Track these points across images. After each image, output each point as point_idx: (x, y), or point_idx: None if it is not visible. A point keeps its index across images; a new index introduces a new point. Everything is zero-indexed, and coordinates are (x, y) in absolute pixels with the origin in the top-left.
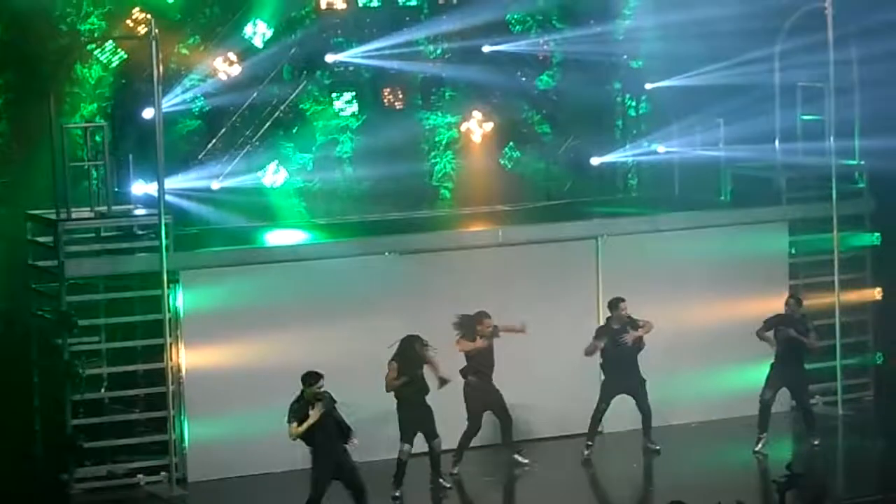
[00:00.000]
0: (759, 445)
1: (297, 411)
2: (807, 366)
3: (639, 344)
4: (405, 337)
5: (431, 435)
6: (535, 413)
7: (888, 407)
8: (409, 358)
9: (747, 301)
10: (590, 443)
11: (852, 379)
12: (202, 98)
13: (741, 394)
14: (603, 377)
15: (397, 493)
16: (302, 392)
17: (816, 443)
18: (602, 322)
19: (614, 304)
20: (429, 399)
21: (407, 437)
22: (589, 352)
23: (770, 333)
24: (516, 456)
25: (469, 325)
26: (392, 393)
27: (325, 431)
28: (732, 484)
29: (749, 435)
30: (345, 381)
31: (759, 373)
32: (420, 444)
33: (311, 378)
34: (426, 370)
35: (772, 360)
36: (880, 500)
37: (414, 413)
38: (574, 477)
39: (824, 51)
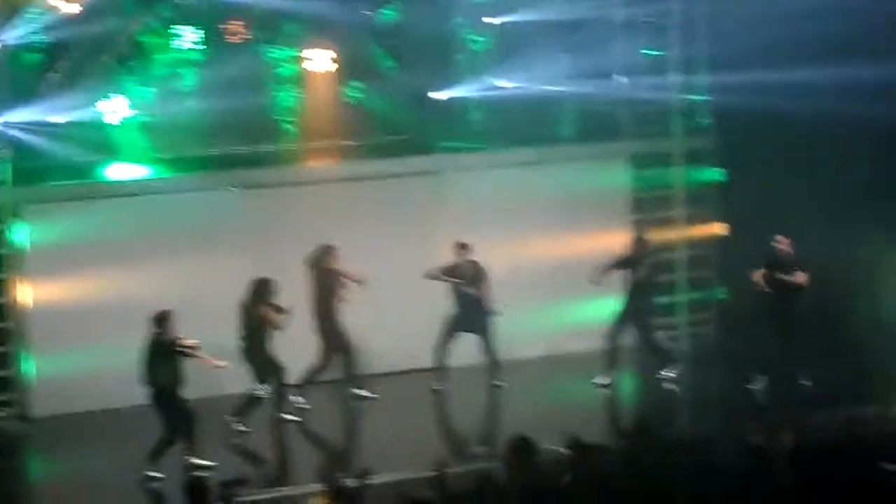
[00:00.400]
0: (604, 380)
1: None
2: (651, 299)
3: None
4: (258, 280)
5: (280, 371)
6: (377, 348)
7: (731, 341)
8: (267, 300)
9: (590, 236)
10: (438, 377)
11: (694, 313)
12: (42, 31)
13: (583, 328)
14: (447, 313)
15: (242, 427)
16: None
17: (665, 375)
18: (444, 258)
19: (459, 248)
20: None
21: (266, 376)
22: (427, 275)
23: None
24: (359, 391)
25: (319, 259)
26: (251, 333)
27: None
28: (577, 419)
29: (592, 369)
30: (188, 317)
31: (600, 308)
32: None
33: (163, 317)
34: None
35: (617, 296)
36: (722, 434)
37: (269, 352)
38: (418, 412)
39: None
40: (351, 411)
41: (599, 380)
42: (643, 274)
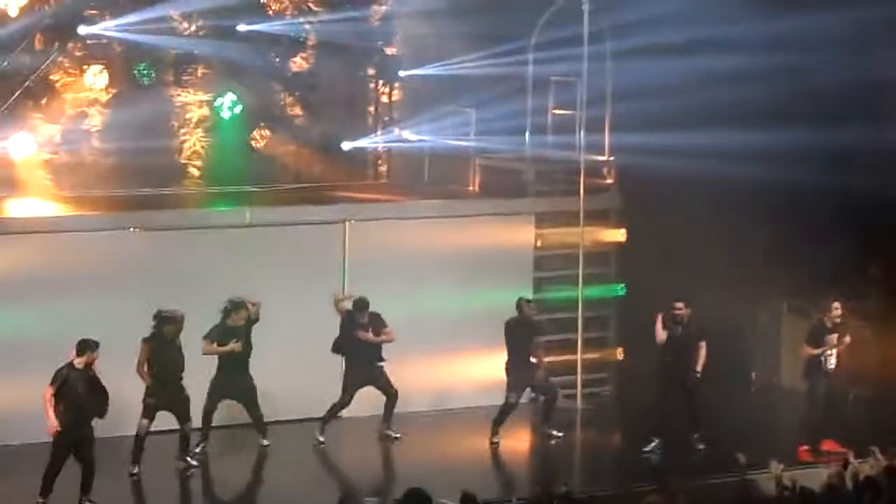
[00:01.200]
0: (496, 437)
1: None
2: (548, 359)
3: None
4: (160, 316)
5: (184, 415)
6: (277, 396)
7: (627, 402)
8: (163, 337)
9: (492, 291)
10: (322, 430)
11: (592, 374)
12: None
13: (483, 384)
14: (344, 368)
15: (135, 470)
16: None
17: (557, 434)
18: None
19: (359, 304)
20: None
21: (148, 413)
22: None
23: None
24: (260, 439)
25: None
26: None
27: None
28: (471, 473)
29: (488, 424)
30: None
31: (499, 364)
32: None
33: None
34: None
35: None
36: (617, 494)
37: (163, 392)
38: (314, 460)
39: (578, 45)
40: (250, 457)
41: (496, 438)
42: (534, 332)
